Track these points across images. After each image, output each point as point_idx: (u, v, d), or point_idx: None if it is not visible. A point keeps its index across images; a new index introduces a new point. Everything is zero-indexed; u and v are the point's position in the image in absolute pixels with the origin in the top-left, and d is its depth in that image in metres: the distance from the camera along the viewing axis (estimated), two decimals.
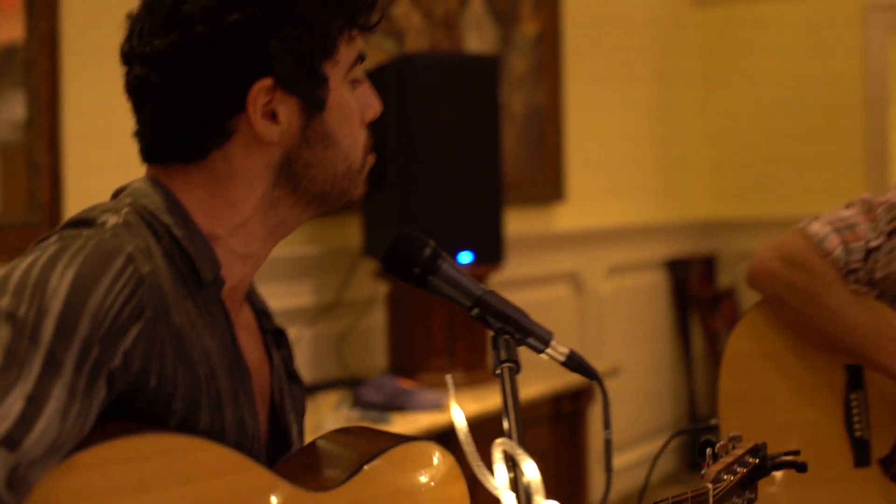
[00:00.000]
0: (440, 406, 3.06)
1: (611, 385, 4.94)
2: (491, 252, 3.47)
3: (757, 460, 1.59)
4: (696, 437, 2.06)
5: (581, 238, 4.86)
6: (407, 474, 1.17)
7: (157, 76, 1.18)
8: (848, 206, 2.22)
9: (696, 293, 5.45)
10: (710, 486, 1.51)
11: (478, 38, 4.22)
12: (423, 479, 1.17)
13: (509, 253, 4.21)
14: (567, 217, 4.78)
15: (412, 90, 3.28)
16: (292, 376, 1.35)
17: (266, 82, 1.19)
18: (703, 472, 1.54)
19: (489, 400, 3.12)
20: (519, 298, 5.02)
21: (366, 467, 1.17)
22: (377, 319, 3.68)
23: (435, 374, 3.34)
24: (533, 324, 1.26)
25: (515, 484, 1.05)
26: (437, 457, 1.21)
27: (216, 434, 1.14)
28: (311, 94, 1.21)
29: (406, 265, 1.26)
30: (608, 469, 1.19)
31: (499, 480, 1.02)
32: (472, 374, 3.38)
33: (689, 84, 5.73)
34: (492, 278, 3.63)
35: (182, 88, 1.18)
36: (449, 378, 1.17)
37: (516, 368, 1.18)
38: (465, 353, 3.40)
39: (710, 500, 1.50)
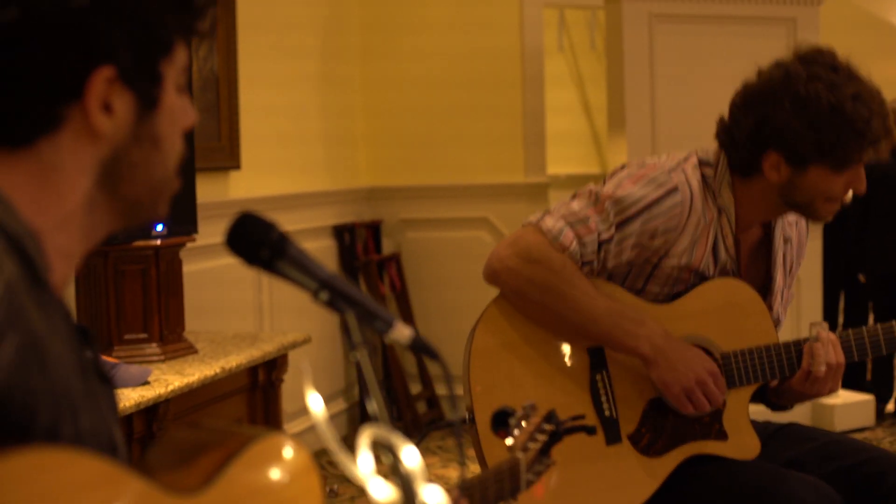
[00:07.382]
0: (146, 381, 3.03)
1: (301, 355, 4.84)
2: (185, 223, 3.44)
3: (553, 427, 1.62)
4: (451, 430, 2.08)
5: (255, 206, 4.87)
6: (264, 473, 1.16)
7: None
8: (575, 197, 2.31)
9: (363, 258, 5.63)
10: (520, 455, 1.54)
11: None
12: (280, 475, 1.16)
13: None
14: (241, 186, 4.81)
15: None
16: (102, 376, 1.27)
17: (108, 71, 1.14)
18: (509, 442, 1.56)
19: (190, 374, 3.13)
20: (202, 267, 4.89)
21: (224, 471, 1.13)
22: (67, 295, 3.53)
23: (131, 348, 3.30)
24: (377, 306, 1.26)
25: (396, 471, 1.06)
26: (290, 450, 1.18)
27: (78, 443, 1.08)
28: (147, 90, 1.18)
29: (254, 246, 1.25)
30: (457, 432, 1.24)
31: (364, 468, 1.02)
32: (169, 347, 3.37)
33: (350, 59, 5.85)
34: (188, 249, 3.61)
35: (17, 68, 1.12)
36: (305, 365, 1.19)
37: (373, 351, 1.20)
38: (160, 327, 3.36)
39: (522, 469, 1.53)
